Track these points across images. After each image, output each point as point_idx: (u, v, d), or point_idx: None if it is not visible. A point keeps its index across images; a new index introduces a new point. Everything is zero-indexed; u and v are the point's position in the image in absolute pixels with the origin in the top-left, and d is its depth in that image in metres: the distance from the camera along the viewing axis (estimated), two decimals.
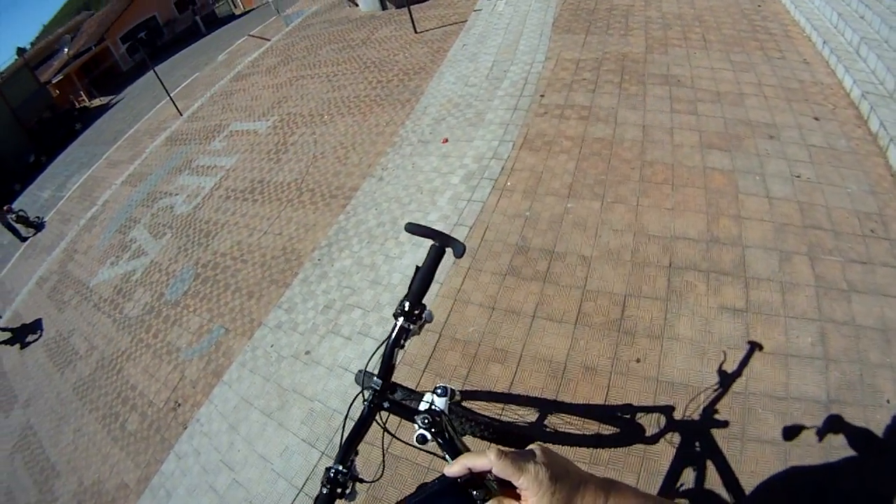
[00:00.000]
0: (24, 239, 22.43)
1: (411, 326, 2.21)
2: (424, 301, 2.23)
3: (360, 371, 3.43)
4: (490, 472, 1.12)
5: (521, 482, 1.07)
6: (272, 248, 8.84)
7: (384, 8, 16.85)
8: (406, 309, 2.20)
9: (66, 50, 54.54)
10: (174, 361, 8.37)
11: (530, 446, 1.14)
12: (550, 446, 1.19)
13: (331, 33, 17.09)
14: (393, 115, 10.49)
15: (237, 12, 53.39)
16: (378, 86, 11.84)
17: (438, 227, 6.93)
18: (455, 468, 1.16)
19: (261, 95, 15.24)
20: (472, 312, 5.96)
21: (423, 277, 2.24)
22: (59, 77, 49.78)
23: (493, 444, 3.45)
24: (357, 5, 18.13)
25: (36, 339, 12.72)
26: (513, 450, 1.13)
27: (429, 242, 2.33)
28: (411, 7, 13.92)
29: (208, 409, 7.11)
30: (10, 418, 11.10)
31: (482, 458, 1.12)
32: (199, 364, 7.93)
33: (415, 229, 2.35)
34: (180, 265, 10.21)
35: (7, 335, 13.93)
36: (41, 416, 10.30)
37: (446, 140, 8.73)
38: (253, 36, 26.02)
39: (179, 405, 7.69)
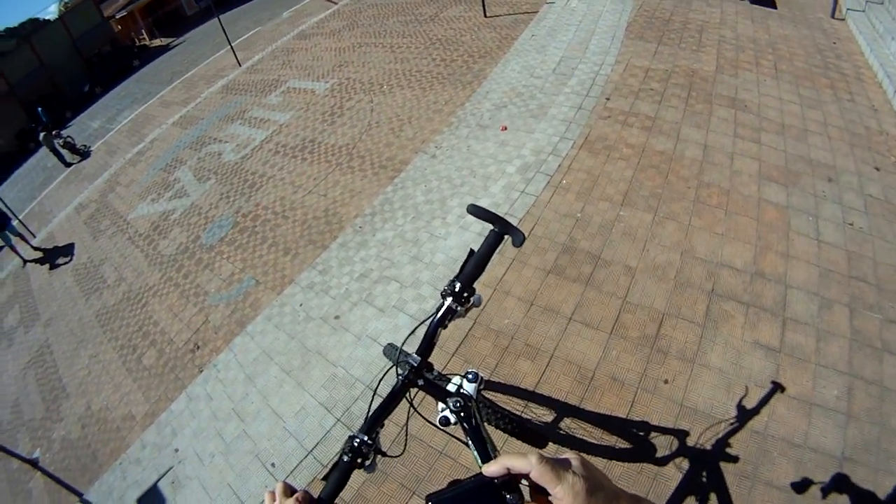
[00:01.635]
0: (68, 164, 23.18)
1: (458, 308, 2.19)
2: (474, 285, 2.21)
3: (389, 344, 3.48)
4: (526, 476, 1.12)
5: (558, 491, 1.06)
6: (314, 209, 8.96)
7: None
8: (457, 289, 2.17)
9: None
10: (200, 304, 8.58)
11: (567, 454, 1.14)
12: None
13: (399, 4, 17.15)
14: (453, 95, 10.48)
15: None
16: (441, 64, 11.85)
17: (474, 230, 6.93)
18: (494, 468, 1.16)
19: (322, 57, 15.37)
20: (510, 304, 5.96)
21: (479, 261, 2.22)
22: (123, 13, 51.08)
23: (534, 448, 3.47)
24: None
25: (66, 263, 13.15)
26: (552, 456, 1.12)
27: (478, 227, 2.33)
28: None
29: (227, 356, 7.28)
30: (29, 334, 11.54)
31: (523, 460, 1.11)
32: (225, 311, 8.10)
33: (477, 212, 2.31)
34: (220, 211, 10.44)
35: (39, 255, 14.38)
36: (60, 338, 10.62)
37: (505, 128, 8.70)
38: None
39: (199, 348, 7.89)
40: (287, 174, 10.29)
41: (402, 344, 2.42)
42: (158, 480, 6.57)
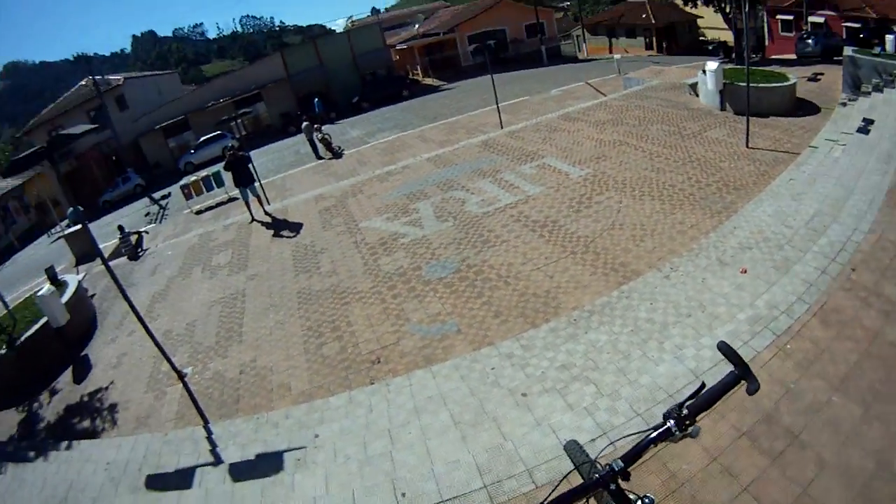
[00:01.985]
0: (319, 157, 26.77)
1: (676, 433, 2.36)
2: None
3: (573, 441, 3.67)
4: None
5: None
6: (537, 286, 9.56)
7: (722, 108, 16.85)
8: (683, 415, 2.35)
9: (417, 26, 64.51)
10: (398, 326, 9.44)
11: None
12: None
13: (665, 114, 17.48)
14: (700, 220, 10.53)
15: (580, 56, 57.47)
16: (695, 185, 11.93)
17: (705, 353, 6.84)
18: None
19: (583, 144, 16.19)
20: (692, 452, 5.83)
21: (711, 397, 2.39)
22: (403, 46, 60.20)
23: None
24: (697, 95, 18.20)
25: (290, 237, 15.17)
26: None
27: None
28: (749, 119, 13.66)
29: (403, 382, 7.95)
30: (231, 278, 13.52)
31: None
32: (418, 342, 8.85)
33: (727, 351, 2.49)
34: (448, 254, 11.47)
35: (268, 219, 16.45)
36: (257, 293, 12.31)
37: (745, 270, 8.58)
38: (590, 85, 27.22)
39: (379, 362, 8.65)
40: (521, 244, 11.02)
41: (603, 449, 2.58)
42: (286, 451, 7.26)
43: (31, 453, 9.73)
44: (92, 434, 9.68)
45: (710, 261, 9.07)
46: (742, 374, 2.33)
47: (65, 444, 9.57)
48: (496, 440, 6.34)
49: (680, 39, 51.54)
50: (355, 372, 8.54)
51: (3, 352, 12.83)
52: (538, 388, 7.04)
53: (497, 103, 21.67)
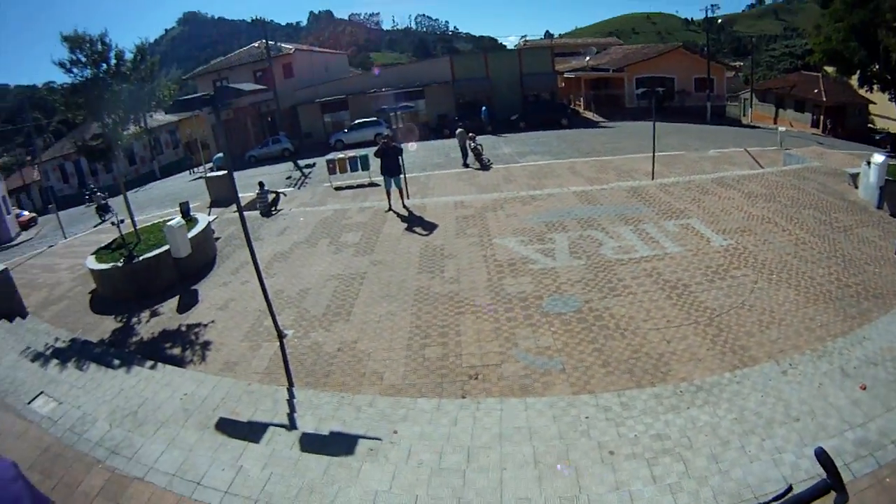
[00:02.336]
0: (466, 166, 27.24)
1: None
2: None
3: None
4: None
5: None
6: (651, 346, 9.16)
7: (880, 206, 15.50)
8: None
9: (587, 58, 63.65)
10: (504, 348, 9.37)
11: None
12: None
13: (819, 200, 16.27)
14: (830, 321, 9.72)
15: (744, 120, 54.98)
16: (834, 283, 11.04)
17: (804, 464, 6.29)
18: None
19: (731, 213, 15.40)
20: None
21: (798, 502, 2.28)
22: (571, 76, 60.77)
23: None
24: (856, 187, 16.98)
25: (422, 235, 15.52)
26: None
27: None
28: None
29: (494, 405, 7.80)
30: (355, 259, 14.12)
31: None
32: (519, 369, 8.72)
33: (825, 460, 2.30)
34: (573, 291, 11.25)
35: (404, 213, 17.15)
36: (376, 279, 12.74)
37: (864, 387, 7.85)
38: (749, 153, 26.03)
39: (477, 378, 8.58)
40: (647, 300, 10.67)
41: None
42: (361, 437, 7.29)
43: (116, 361, 10.32)
44: (178, 362, 10.25)
45: (831, 367, 8.42)
46: (834, 484, 2.21)
47: (150, 363, 10.17)
48: (572, 491, 6.13)
49: (848, 122, 48.26)
50: (451, 381, 8.53)
51: (119, 264, 13.64)
52: (627, 450, 6.73)
53: (654, 152, 21.20)
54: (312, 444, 7.19)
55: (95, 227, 27.10)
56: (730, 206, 15.68)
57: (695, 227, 14.12)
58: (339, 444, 7.13)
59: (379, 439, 7.18)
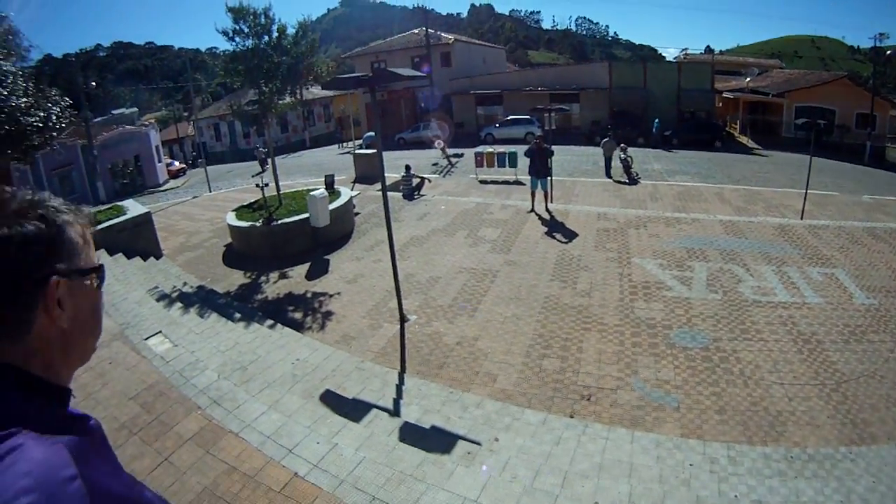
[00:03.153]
0: (608, 176, 26.65)
1: None
2: None
3: None
4: None
5: None
6: (772, 401, 8.39)
7: None
8: None
9: (748, 79, 59.66)
10: (622, 373, 9.06)
11: None
12: None
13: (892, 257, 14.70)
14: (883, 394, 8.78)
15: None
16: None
17: None
18: None
19: (878, 268, 13.41)
20: None
21: None
22: (729, 95, 56.17)
23: None
24: None
25: (560, 242, 15.38)
26: None
27: None
28: None
29: (601, 432, 7.55)
30: (490, 255, 14.07)
31: None
32: (634, 399, 8.39)
33: None
34: (704, 326, 10.68)
35: (547, 217, 17.36)
36: (508, 279, 12.67)
37: None
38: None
39: (589, 399, 8.34)
40: (777, 350, 9.88)
41: None
42: (461, 438, 7.20)
43: (237, 315, 10.83)
44: (297, 327, 10.62)
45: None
46: None
47: (270, 322, 10.59)
48: None
49: None
50: (562, 398, 8.32)
51: (258, 224, 14.26)
52: None
53: (806, 189, 19.92)
54: (411, 434, 7.19)
55: (255, 176, 28.88)
56: (879, 260, 14.43)
57: (839, 278, 13.09)
58: (437, 441, 7.09)
59: (479, 444, 7.09)
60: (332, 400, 7.94)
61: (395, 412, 7.78)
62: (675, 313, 11.07)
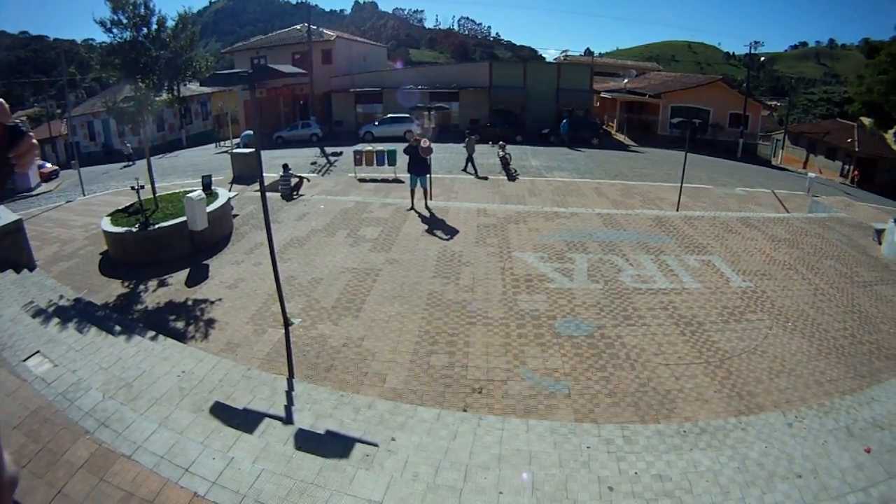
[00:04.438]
0: (465, 171, 27.33)
1: None
2: None
3: None
4: None
5: None
6: (659, 381, 8.91)
7: None
8: None
9: (626, 80, 64.54)
10: (511, 365, 9.19)
11: None
12: None
13: (842, 252, 15.85)
14: (840, 377, 9.41)
15: (774, 162, 55.17)
16: (849, 338, 10.72)
17: None
18: None
19: (753, 254, 15.16)
20: None
21: None
22: (608, 96, 59.85)
23: None
24: (880, 243, 16.64)
25: (441, 239, 15.40)
26: None
27: None
28: None
29: (496, 423, 7.64)
30: (371, 254, 13.80)
31: None
32: (523, 388, 8.56)
33: None
34: (587, 315, 11.05)
35: (426, 214, 17.63)
36: (390, 278, 12.50)
37: (869, 450, 7.57)
38: (776, 195, 25.70)
39: (480, 393, 8.42)
40: (660, 333, 10.46)
41: None
42: (358, 441, 7.11)
43: (118, 328, 10.25)
44: (180, 336, 10.14)
45: (837, 425, 8.16)
46: None
47: (151, 333, 10.11)
48: None
49: (878, 177, 47.43)
50: (453, 393, 8.35)
51: (134, 229, 13.60)
52: (627, 488, 6.52)
53: (682, 182, 20.92)
54: (307, 442, 7.02)
55: (123, 167, 27.80)
56: (752, 247, 15.41)
57: (715, 264, 13.88)
58: (334, 446, 6.96)
59: (376, 445, 7.01)
60: (223, 412, 7.62)
61: (287, 420, 7.56)
62: (559, 304, 11.36)
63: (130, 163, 41.12)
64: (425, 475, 6.43)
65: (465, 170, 27.45)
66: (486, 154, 31.52)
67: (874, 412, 8.61)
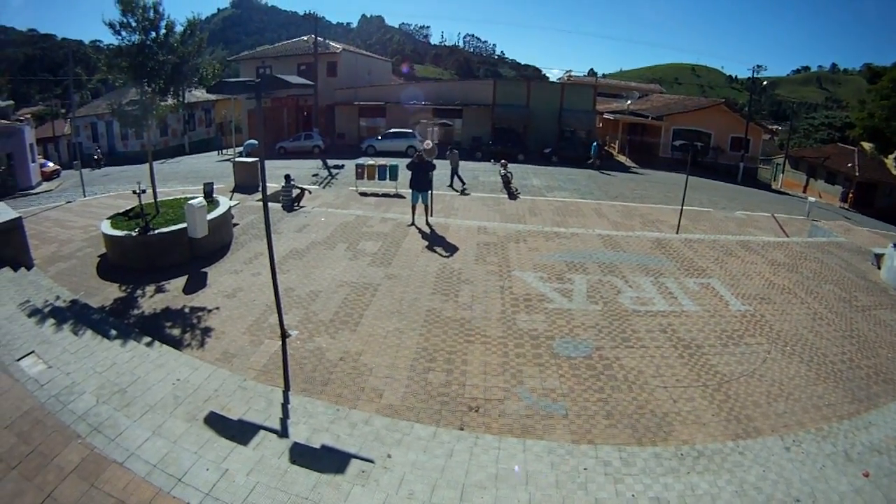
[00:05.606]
0: (451, 187, 27.62)
1: None
2: None
3: None
4: None
5: None
6: (657, 404, 8.88)
7: None
8: None
9: (629, 102, 65.28)
10: (509, 384, 9.16)
11: None
12: None
13: (841, 277, 15.83)
14: (838, 402, 9.38)
15: (774, 186, 55.78)
16: (846, 363, 10.67)
17: None
18: None
19: (751, 277, 15.17)
20: None
21: None
22: (609, 117, 60.08)
23: None
24: (879, 268, 16.60)
25: (441, 255, 15.34)
26: None
27: None
28: None
29: (493, 442, 7.63)
30: (370, 269, 13.81)
31: None
32: (520, 408, 8.51)
33: None
34: (586, 336, 11.02)
35: (427, 230, 17.59)
36: (389, 293, 12.47)
37: (867, 475, 7.51)
38: (776, 219, 25.71)
39: (477, 411, 8.37)
40: (659, 356, 10.43)
41: None
42: (353, 457, 7.07)
43: (113, 332, 10.18)
44: (176, 344, 10.08)
45: (835, 449, 8.12)
46: None
47: (147, 339, 10.03)
48: None
49: (878, 201, 48.13)
50: (450, 411, 8.31)
51: (133, 233, 13.55)
52: None
53: (682, 205, 20.93)
54: (303, 456, 6.98)
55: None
56: (752, 270, 15.39)
57: (715, 287, 13.86)
58: (330, 461, 6.91)
59: (371, 461, 6.97)
60: (218, 422, 7.58)
61: (283, 433, 7.51)
62: (557, 324, 11.34)
63: (99, 168, 41.83)
64: (421, 493, 6.40)
65: (450, 185, 27.52)
66: (488, 172, 31.68)
67: (872, 437, 8.56)
